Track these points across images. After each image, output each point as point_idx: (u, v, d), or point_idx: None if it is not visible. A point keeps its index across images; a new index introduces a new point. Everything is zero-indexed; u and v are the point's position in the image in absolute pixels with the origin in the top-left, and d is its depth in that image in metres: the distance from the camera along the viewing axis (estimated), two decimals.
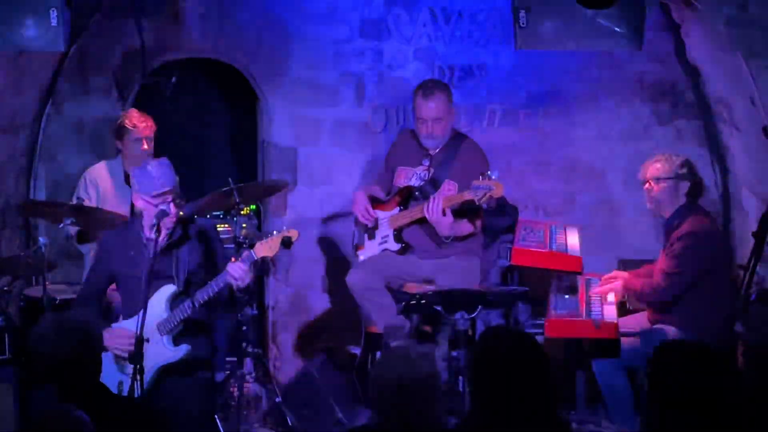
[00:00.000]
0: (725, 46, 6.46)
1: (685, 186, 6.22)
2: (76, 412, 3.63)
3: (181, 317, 5.38)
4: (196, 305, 5.36)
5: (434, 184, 6.55)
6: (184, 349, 5.39)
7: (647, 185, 6.30)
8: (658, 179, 6.24)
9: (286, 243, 5.44)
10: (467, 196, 6.18)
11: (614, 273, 6.60)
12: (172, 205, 5.34)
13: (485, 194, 6.06)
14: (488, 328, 5.73)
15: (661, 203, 6.28)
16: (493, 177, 6.09)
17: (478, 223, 6.51)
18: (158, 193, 5.33)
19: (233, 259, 5.42)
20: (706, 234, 6.14)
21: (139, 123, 6.74)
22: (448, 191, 6.46)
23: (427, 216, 6.29)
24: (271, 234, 5.47)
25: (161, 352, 5.37)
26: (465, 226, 6.44)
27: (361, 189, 6.92)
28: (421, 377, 3.70)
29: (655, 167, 6.27)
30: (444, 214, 6.23)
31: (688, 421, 3.52)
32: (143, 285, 5.12)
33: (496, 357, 3.75)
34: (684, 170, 6.24)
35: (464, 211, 6.39)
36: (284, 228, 5.52)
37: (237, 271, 5.35)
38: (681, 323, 6.02)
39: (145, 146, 6.72)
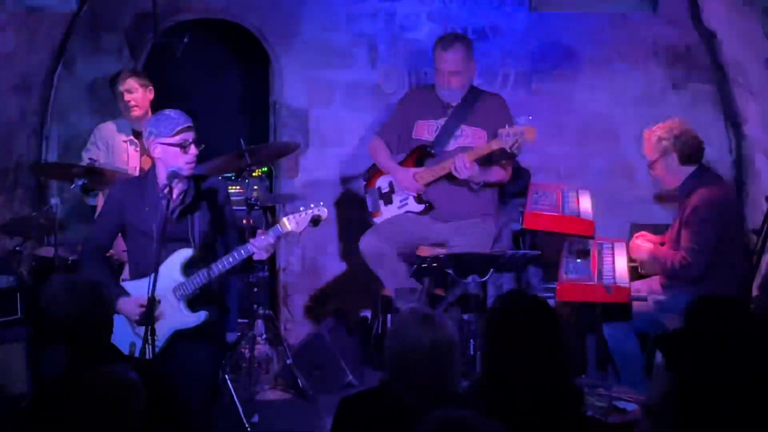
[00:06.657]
0: (741, 10, 6.40)
1: (673, 158, 6.04)
2: (129, 373, 3.60)
3: (199, 284, 5.35)
4: (213, 276, 5.34)
5: (447, 131, 6.51)
6: (202, 315, 5.37)
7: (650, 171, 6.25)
8: (649, 164, 6.15)
9: (316, 221, 5.41)
10: (495, 145, 6.18)
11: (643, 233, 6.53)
12: (192, 146, 5.26)
13: (517, 140, 6.06)
14: (506, 292, 5.70)
15: (665, 181, 6.19)
16: (522, 123, 6.08)
17: (509, 170, 6.53)
18: (181, 129, 5.26)
19: (260, 232, 5.40)
20: (719, 202, 6.00)
21: (125, 77, 6.76)
22: (464, 138, 6.44)
23: (457, 176, 6.28)
24: (299, 210, 5.43)
25: (178, 316, 5.35)
26: (496, 174, 6.48)
27: (382, 162, 6.78)
28: (443, 342, 3.67)
29: (644, 153, 6.16)
30: (470, 165, 6.24)
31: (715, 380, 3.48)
32: (155, 246, 5.06)
33: (510, 321, 3.75)
34: (663, 143, 6.04)
35: (491, 160, 6.39)
36: (312, 206, 5.44)
37: (262, 245, 5.34)
38: (695, 288, 5.98)
39: (127, 97, 6.72)
